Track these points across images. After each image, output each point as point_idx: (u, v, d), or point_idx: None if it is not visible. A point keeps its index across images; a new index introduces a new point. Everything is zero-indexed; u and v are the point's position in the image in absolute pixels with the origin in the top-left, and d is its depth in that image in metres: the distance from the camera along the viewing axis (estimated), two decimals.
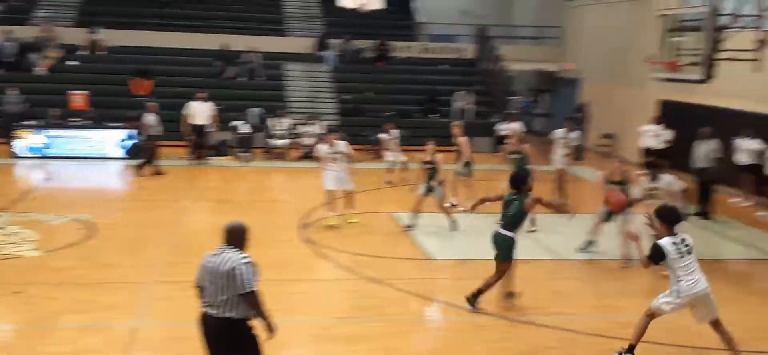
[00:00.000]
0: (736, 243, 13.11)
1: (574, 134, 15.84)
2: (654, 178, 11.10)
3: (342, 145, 12.92)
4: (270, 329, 5.69)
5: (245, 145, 20.26)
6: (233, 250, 5.59)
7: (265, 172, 19.03)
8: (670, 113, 19.23)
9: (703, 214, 14.34)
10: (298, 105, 23.65)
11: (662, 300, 7.36)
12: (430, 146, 13.01)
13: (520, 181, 9.03)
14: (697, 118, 17.05)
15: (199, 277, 5.72)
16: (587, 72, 25.65)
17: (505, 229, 8.83)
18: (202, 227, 13.03)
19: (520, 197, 8.84)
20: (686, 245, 7.22)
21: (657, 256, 7.19)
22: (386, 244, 12.11)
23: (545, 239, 12.52)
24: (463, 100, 24.26)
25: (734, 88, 16.68)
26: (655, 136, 18.46)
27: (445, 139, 23.01)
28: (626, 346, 7.49)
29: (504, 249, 8.83)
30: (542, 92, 30.09)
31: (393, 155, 17.96)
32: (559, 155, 15.00)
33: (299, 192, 17.29)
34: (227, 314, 5.51)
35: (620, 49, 22.88)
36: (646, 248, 7.46)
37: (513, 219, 8.83)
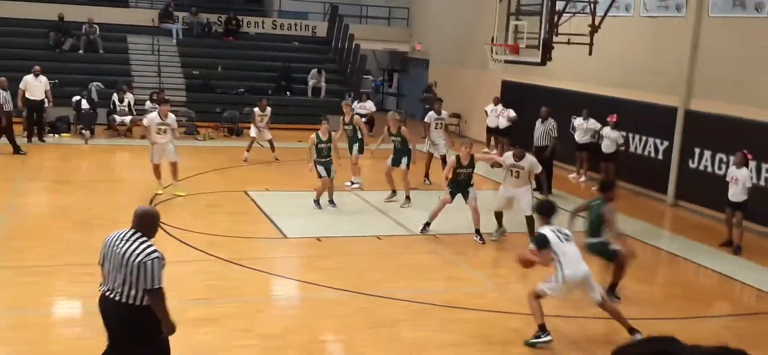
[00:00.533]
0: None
1: (445, 114, 16.22)
2: (519, 157, 11.52)
3: (172, 118, 13.42)
4: (169, 329, 5.48)
5: (86, 121, 19.17)
6: (141, 238, 5.39)
7: (108, 150, 18.14)
8: (512, 94, 20.20)
9: (540, 190, 15.10)
10: (142, 80, 22.66)
11: (546, 285, 7.74)
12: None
13: (607, 187, 9.53)
14: (537, 99, 18.01)
15: (102, 257, 5.50)
16: (435, 53, 26.36)
17: (592, 237, 9.28)
18: (39, 210, 12.27)
19: (600, 203, 9.28)
20: (565, 234, 7.75)
21: (541, 242, 7.68)
22: (240, 223, 11.94)
23: (398, 214, 12.82)
24: (316, 79, 24.24)
25: (570, 71, 17.77)
26: (498, 116, 19.37)
27: (300, 118, 23.13)
28: (537, 327, 7.78)
29: (603, 253, 9.22)
30: (394, 72, 30.64)
31: (259, 133, 17.45)
32: (435, 137, 15.37)
33: (145, 171, 16.62)
34: (131, 302, 5.35)
35: (464, 31, 23.67)
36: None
37: (593, 226, 9.29)
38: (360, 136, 14.89)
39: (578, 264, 7.71)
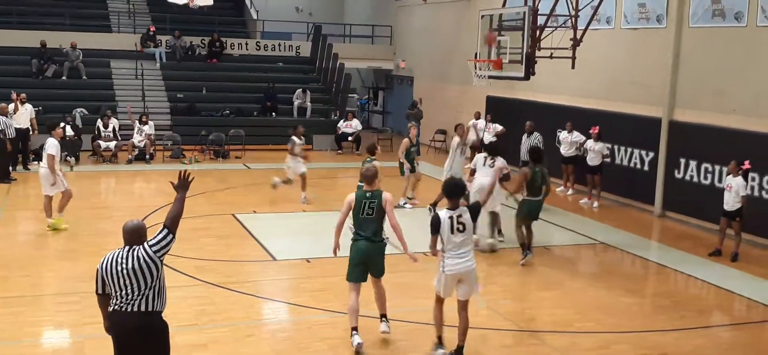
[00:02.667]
0: (560, 230, 14.02)
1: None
2: (493, 160, 12.21)
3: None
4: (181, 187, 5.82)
5: (71, 148, 19.03)
6: (136, 249, 5.58)
7: (93, 176, 18.01)
8: (496, 109, 20.26)
9: None
10: (126, 104, 22.52)
11: (435, 281, 7.63)
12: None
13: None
14: (522, 113, 18.08)
15: (104, 283, 5.58)
16: (419, 70, 26.45)
17: None
18: (24, 238, 12.14)
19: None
20: (460, 222, 7.34)
21: (433, 226, 7.37)
22: (229, 246, 11.87)
23: (388, 233, 12.76)
24: (301, 99, 24.24)
25: (554, 84, 17.86)
26: (482, 131, 19.41)
27: (286, 139, 23.00)
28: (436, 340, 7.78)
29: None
30: (379, 90, 30.71)
31: (295, 165, 15.29)
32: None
33: (131, 196, 16.55)
34: (150, 309, 5.53)
35: (447, 47, 23.78)
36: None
37: None
38: None
39: (464, 258, 7.42)
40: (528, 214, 11.53)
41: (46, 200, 12.27)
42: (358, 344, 7.76)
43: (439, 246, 7.42)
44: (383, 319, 8.29)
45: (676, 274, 11.48)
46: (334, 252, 8.10)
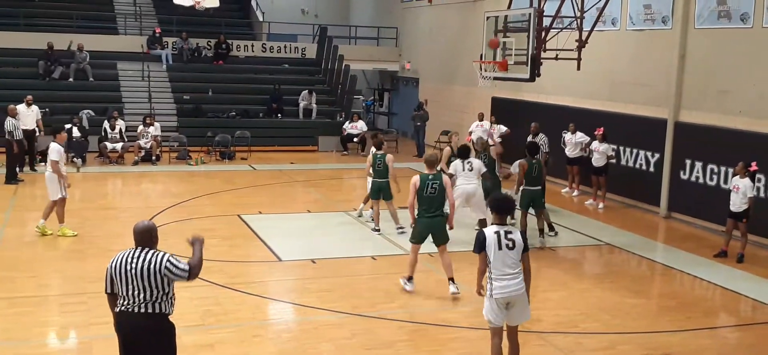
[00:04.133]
0: (566, 231, 14.01)
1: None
2: (470, 162, 12.41)
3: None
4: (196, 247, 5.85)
5: (77, 149, 19.11)
6: (149, 251, 5.65)
7: (100, 177, 18.08)
8: (502, 110, 20.26)
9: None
10: (133, 106, 22.67)
11: (485, 310, 6.90)
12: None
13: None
14: (527, 114, 18.07)
15: (113, 282, 5.65)
16: (424, 71, 26.47)
17: None
18: (31, 239, 12.19)
19: None
20: (509, 239, 6.68)
21: (477, 245, 6.73)
22: (234, 247, 11.91)
23: (392, 234, 12.80)
24: (307, 100, 24.30)
25: (559, 85, 17.86)
26: (485, 132, 19.37)
27: (292, 140, 23.20)
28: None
29: None
30: (384, 91, 30.75)
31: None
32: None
33: (137, 197, 16.61)
34: (157, 311, 5.60)
35: (452, 48, 23.80)
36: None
37: None
38: None
39: (514, 280, 6.71)
40: (531, 202, 12.42)
41: (50, 204, 12.26)
42: (410, 289, 9.69)
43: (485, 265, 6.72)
44: (451, 282, 9.62)
45: (682, 275, 11.47)
46: (413, 220, 9.92)
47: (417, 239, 9.74)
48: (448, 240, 9.73)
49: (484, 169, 12.58)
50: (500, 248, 6.64)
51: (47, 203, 12.32)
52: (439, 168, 11.54)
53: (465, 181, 12.17)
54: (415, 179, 9.59)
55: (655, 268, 12.05)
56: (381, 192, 12.95)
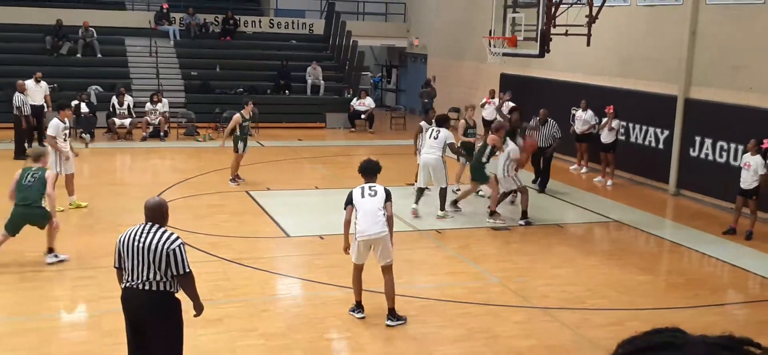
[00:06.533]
0: (574, 208, 13.99)
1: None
2: (438, 131, 12.33)
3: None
4: (200, 309, 5.94)
5: (86, 125, 19.16)
6: (159, 228, 5.64)
7: (108, 153, 18.13)
8: (511, 87, 20.13)
9: (542, 185, 14.95)
10: (141, 82, 22.67)
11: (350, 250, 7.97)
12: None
13: None
14: (536, 90, 17.99)
15: (120, 257, 5.67)
16: (432, 47, 26.34)
17: None
18: None
19: None
20: (372, 190, 7.77)
21: (346, 200, 7.88)
22: (243, 223, 11.94)
23: (400, 210, 12.79)
24: (313, 75, 24.23)
25: (569, 62, 17.75)
26: (497, 109, 19.29)
27: (300, 116, 23.17)
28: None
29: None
30: (392, 68, 30.63)
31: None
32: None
33: (146, 173, 16.66)
34: (161, 289, 5.61)
35: (461, 24, 23.64)
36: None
37: None
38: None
39: (372, 224, 7.70)
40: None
41: (66, 178, 12.28)
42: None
43: None
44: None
45: (690, 252, 11.45)
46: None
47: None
48: None
49: (450, 140, 12.29)
50: (362, 197, 7.74)
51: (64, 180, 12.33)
52: (454, 142, 11.74)
53: (427, 150, 12.16)
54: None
55: (663, 245, 12.03)
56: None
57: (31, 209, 9.19)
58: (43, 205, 9.25)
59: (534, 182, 14.94)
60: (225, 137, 14.79)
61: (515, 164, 12.25)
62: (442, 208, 12.25)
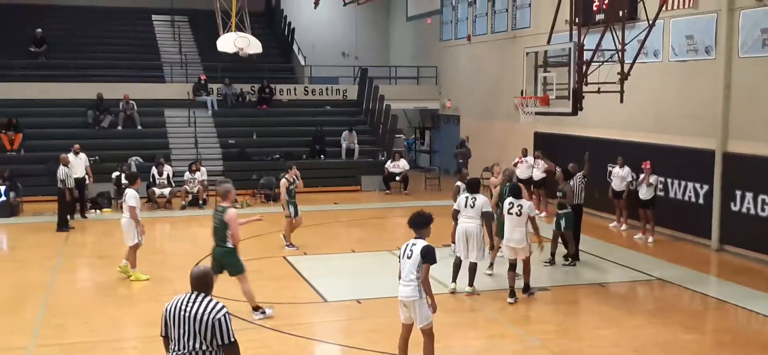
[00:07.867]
0: (615, 266, 13.77)
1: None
2: (474, 198, 11.50)
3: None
4: None
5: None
6: (205, 297, 5.67)
7: (148, 223, 18.25)
8: (545, 145, 20.11)
9: (575, 257, 13.67)
10: (180, 151, 23.11)
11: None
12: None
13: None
14: (571, 148, 17.91)
15: (166, 325, 5.70)
16: (465, 108, 26.48)
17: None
18: (82, 285, 12.43)
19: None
20: (410, 251, 7.81)
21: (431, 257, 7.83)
22: (281, 289, 11.97)
23: (435, 272, 12.70)
24: (348, 140, 24.49)
25: (603, 119, 17.69)
26: (529, 168, 19.27)
27: (335, 180, 23.34)
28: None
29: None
30: (425, 129, 30.83)
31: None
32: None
33: (185, 241, 16.84)
34: None
35: (492, 84, 23.78)
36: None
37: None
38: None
39: (403, 285, 7.83)
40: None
41: (130, 251, 12.46)
42: None
43: None
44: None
45: (737, 309, 11.16)
46: None
47: None
48: None
49: (488, 208, 11.56)
50: (399, 259, 7.92)
51: (126, 249, 12.51)
52: (490, 210, 11.44)
53: (465, 219, 11.51)
54: None
55: (709, 302, 11.75)
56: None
57: None
58: None
59: (565, 258, 13.67)
60: (282, 204, 14.99)
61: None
62: (471, 283, 11.55)
